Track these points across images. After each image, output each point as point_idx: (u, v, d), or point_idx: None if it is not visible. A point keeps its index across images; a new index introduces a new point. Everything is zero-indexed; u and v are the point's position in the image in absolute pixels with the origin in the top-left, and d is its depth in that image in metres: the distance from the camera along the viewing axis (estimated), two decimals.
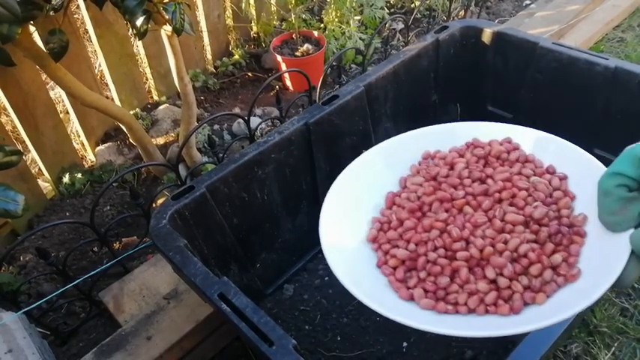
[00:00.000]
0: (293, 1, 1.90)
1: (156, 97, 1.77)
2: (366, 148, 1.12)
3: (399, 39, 2.11)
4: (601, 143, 1.14)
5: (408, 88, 1.23)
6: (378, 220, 0.76)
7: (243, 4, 1.85)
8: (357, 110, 1.11)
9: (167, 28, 1.18)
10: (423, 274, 0.66)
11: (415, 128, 0.88)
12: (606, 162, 1.14)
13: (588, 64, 1.09)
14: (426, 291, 0.65)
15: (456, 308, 0.63)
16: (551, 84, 1.17)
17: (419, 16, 2.25)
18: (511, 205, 0.70)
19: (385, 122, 1.22)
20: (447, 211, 0.72)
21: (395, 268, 0.68)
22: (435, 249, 0.67)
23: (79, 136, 1.57)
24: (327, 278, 1.15)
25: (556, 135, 0.78)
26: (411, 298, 0.65)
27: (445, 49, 1.25)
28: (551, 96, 1.19)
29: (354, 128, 1.13)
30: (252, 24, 1.99)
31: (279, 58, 1.79)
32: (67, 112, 1.54)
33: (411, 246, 0.68)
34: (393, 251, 0.69)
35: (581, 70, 1.10)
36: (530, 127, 0.81)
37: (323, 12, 2.02)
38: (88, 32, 1.51)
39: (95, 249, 1.32)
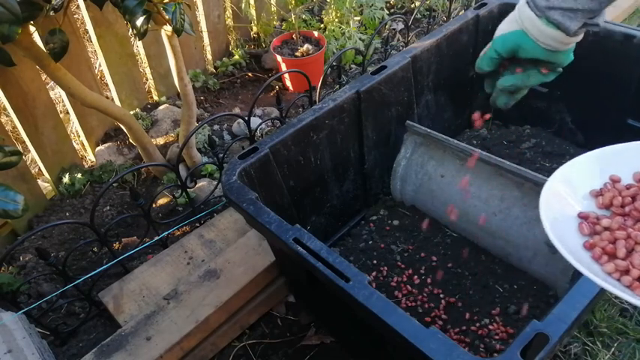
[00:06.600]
0: (293, 2, 1.90)
1: (156, 97, 1.77)
2: (409, 119, 1.18)
3: (399, 39, 2.11)
4: (635, 114, 1.17)
5: (449, 62, 1.27)
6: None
7: (243, 5, 1.85)
8: (402, 80, 1.15)
9: (167, 28, 1.18)
10: None
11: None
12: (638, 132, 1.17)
13: (624, 37, 1.11)
14: None
15: None
16: (587, 57, 1.14)
17: (419, 16, 2.25)
18: None
19: (427, 94, 1.26)
20: None
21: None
22: None
23: (79, 136, 1.57)
24: (370, 242, 1.18)
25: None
26: None
27: (484, 24, 1.28)
28: (587, 69, 1.19)
29: (400, 98, 1.17)
30: (252, 24, 1.99)
31: (279, 58, 1.79)
32: (67, 112, 1.54)
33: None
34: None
35: (616, 43, 1.13)
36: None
37: (323, 12, 2.02)
38: (88, 32, 1.51)
39: (95, 249, 1.32)
